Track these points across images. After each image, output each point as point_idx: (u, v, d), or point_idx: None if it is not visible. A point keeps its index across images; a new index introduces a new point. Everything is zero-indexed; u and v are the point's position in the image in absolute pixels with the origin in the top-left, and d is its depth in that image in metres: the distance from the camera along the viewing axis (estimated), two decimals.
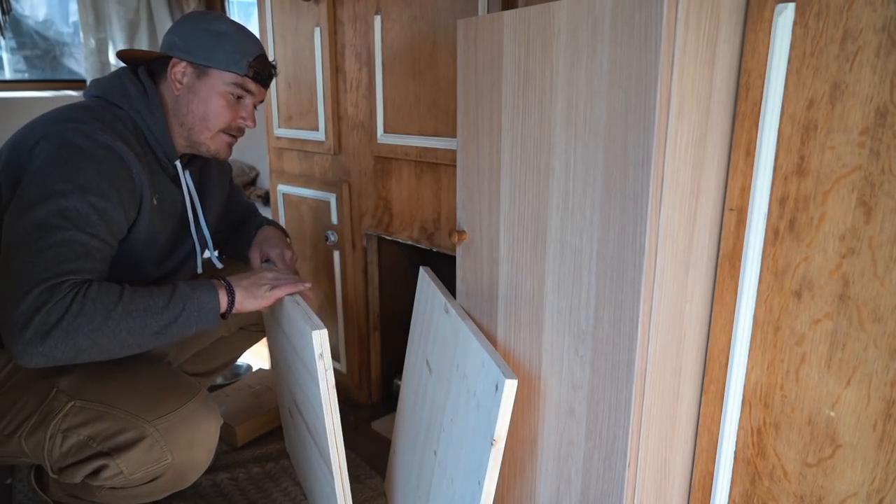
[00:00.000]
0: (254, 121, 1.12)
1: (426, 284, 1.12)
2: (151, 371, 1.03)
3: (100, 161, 0.91)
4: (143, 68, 1.06)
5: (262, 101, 1.14)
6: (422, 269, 1.15)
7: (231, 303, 0.97)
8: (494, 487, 0.79)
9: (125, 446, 0.91)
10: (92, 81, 1.06)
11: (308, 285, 1.06)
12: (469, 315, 0.99)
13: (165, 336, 0.90)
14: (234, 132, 1.11)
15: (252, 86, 1.08)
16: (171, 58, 1.04)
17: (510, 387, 0.76)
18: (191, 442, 0.96)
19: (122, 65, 1.09)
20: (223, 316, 0.98)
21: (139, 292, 0.89)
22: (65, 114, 0.95)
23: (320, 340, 0.87)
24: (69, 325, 0.81)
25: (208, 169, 1.21)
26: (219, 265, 1.23)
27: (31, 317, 0.80)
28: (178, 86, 1.04)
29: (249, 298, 1.00)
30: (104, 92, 1.02)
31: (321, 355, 0.87)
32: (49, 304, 0.81)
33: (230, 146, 1.13)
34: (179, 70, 1.04)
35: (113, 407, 0.93)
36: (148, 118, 1.02)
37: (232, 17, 1.14)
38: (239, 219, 1.38)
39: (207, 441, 0.99)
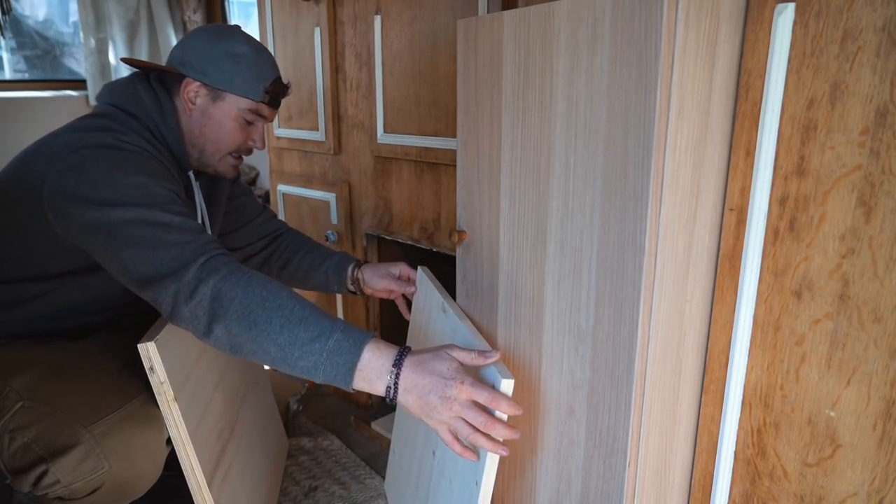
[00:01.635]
0: (263, 143, 1.10)
1: (424, 284, 1.12)
2: (102, 371, 0.97)
3: (150, 161, 0.92)
4: (155, 76, 1.04)
5: (271, 121, 1.13)
6: (420, 269, 1.15)
7: (394, 388, 0.75)
8: (492, 487, 0.79)
9: (61, 451, 0.86)
10: (105, 86, 1.04)
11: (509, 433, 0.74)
12: (468, 315, 0.98)
13: (286, 356, 0.77)
14: (243, 153, 1.10)
15: (266, 110, 1.07)
16: (178, 74, 1.01)
17: (507, 386, 0.76)
18: (129, 448, 0.90)
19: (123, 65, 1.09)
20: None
21: (287, 291, 0.81)
22: (93, 123, 0.95)
23: (148, 353, 0.85)
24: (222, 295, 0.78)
25: (216, 180, 1.20)
26: None
27: (192, 289, 0.78)
28: (191, 106, 1.03)
29: (416, 398, 0.74)
30: (119, 101, 1.00)
31: (151, 369, 0.85)
32: (206, 276, 0.79)
33: (236, 167, 1.12)
34: (193, 90, 1.02)
35: (56, 409, 0.88)
36: (163, 128, 1.01)
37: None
38: (270, 229, 1.33)
39: (149, 447, 0.92)
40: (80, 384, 0.93)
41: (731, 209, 0.71)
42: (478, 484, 0.78)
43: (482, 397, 0.73)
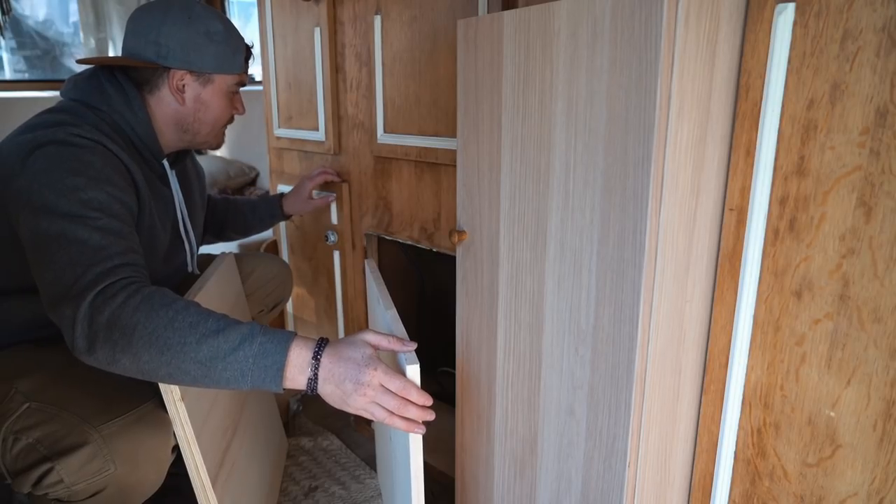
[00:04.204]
0: (244, 107, 1.14)
1: (369, 277, 1.15)
2: (110, 375, 0.94)
3: (101, 156, 0.89)
4: (120, 70, 1.02)
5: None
6: (366, 262, 1.23)
7: (314, 378, 0.77)
8: (421, 464, 0.80)
9: (67, 451, 0.84)
10: (69, 79, 1.01)
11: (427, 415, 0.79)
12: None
13: (208, 372, 0.75)
14: (231, 123, 1.14)
15: (246, 78, 1.10)
16: (161, 67, 1.00)
17: (412, 372, 0.78)
18: (136, 452, 0.88)
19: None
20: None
21: (194, 307, 0.78)
22: (48, 119, 0.92)
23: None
24: (120, 322, 0.75)
25: (185, 166, 1.20)
26: (197, 270, 1.21)
27: (89, 318, 0.75)
28: (182, 96, 1.02)
29: (334, 387, 0.76)
30: (82, 94, 0.98)
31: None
32: (104, 300, 0.75)
33: (224, 135, 1.17)
34: (181, 80, 1.01)
35: (64, 410, 0.87)
36: (131, 119, 0.99)
37: (231, 18, 1.14)
38: (221, 210, 1.45)
39: (156, 453, 0.91)
40: (88, 386, 0.92)
41: (731, 209, 0.71)
42: (408, 463, 0.80)
43: (393, 385, 0.76)
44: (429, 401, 0.78)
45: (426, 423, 0.78)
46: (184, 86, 1.02)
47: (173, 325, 0.75)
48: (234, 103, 1.11)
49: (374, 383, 0.75)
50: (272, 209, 1.46)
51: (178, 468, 0.98)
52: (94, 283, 0.77)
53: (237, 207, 1.46)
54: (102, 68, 1.02)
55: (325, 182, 1.49)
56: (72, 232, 0.80)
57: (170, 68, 1.00)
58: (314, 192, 1.49)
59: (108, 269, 0.79)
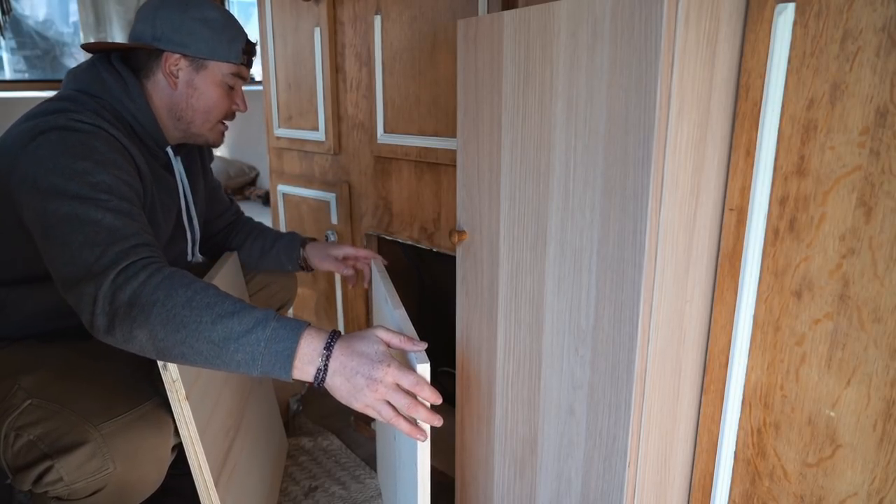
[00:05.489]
0: (246, 104, 1.12)
1: (376, 276, 1.15)
2: (112, 373, 0.94)
3: (104, 140, 0.89)
4: (117, 56, 1.02)
5: (247, 83, 1.14)
6: (373, 262, 1.23)
7: (323, 370, 0.75)
8: (428, 469, 0.80)
9: (67, 449, 0.84)
10: (69, 72, 1.02)
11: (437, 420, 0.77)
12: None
13: (221, 352, 0.75)
14: (230, 119, 1.12)
15: (245, 71, 1.08)
16: (155, 50, 1.00)
17: (423, 370, 0.78)
18: (136, 451, 0.88)
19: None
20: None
21: (213, 289, 0.78)
22: (49, 107, 0.92)
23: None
24: (140, 300, 0.75)
25: (192, 154, 1.20)
26: (199, 257, 1.21)
27: (111, 296, 0.75)
28: (175, 80, 1.02)
29: (343, 381, 0.75)
30: (82, 84, 0.98)
31: (164, 367, 0.82)
32: (124, 280, 0.76)
33: (223, 134, 1.14)
34: (175, 64, 1.01)
35: (65, 407, 0.87)
36: (131, 106, 0.99)
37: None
38: (227, 216, 1.38)
39: (156, 452, 0.91)
40: (90, 384, 0.92)
41: (731, 209, 0.71)
42: (415, 463, 0.80)
43: (407, 381, 0.75)
44: (439, 399, 0.77)
45: (431, 428, 0.78)
46: (177, 70, 1.02)
47: (191, 304, 0.75)
48: (233, 97, 1.09)
49: (388, 380, 0.75)
50: (293, 247, 1.33)
51: (177, 468, 0.98)
52: (115, 262, 0.77)
53: (255, 235, 1.36)
54: (100, 58, 1.02)
55: (354, 264, 1.30)
56: (84, 213, 0.80)
57: (163, 51, 1.00)
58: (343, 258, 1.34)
59: (127, 248, 0.79)
